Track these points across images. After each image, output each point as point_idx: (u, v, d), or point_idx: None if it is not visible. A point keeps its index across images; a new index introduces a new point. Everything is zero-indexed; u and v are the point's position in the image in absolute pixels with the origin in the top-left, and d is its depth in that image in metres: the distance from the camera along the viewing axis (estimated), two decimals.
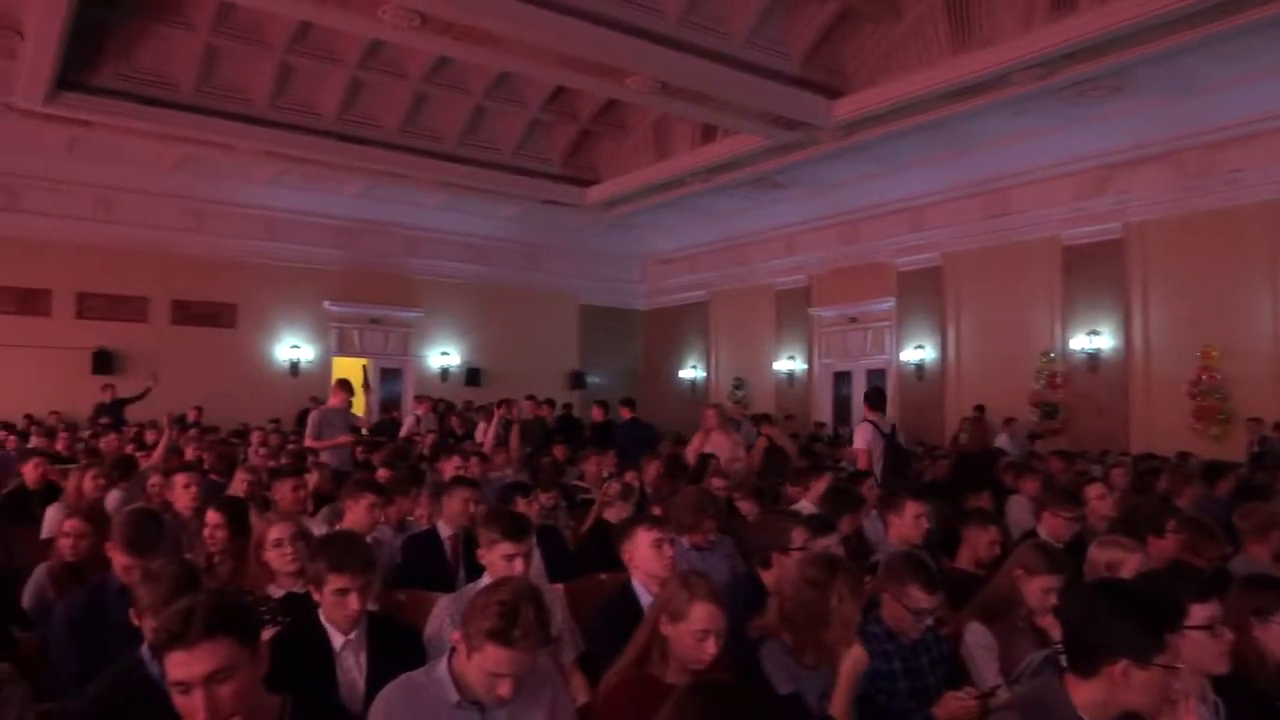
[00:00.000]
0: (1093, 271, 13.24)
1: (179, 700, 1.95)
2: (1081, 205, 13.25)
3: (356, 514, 4.41)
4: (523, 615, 2.25)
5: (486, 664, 2.25)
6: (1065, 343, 13.55)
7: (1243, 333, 11.66)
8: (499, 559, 3.31)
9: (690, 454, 8.14)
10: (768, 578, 3.61)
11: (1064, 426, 13.34)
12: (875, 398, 8.18)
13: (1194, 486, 6.73)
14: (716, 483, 6.65)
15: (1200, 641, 2.37)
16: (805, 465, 7.29)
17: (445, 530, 4.62)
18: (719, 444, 8.18)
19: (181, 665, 1.93)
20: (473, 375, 18.70)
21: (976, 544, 4.35)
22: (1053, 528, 4.84)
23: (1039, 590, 3.24)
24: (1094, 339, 13.14)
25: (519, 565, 3.27)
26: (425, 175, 15.05)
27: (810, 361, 17.77)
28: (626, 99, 12.51)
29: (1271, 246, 11.40)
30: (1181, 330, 12.29)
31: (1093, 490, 5.19)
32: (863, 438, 7.85)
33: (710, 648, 2.55)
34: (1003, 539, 4.46)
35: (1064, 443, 12.36)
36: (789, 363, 18.05)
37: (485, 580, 3.28)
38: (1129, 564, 3.47)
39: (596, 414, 11.93)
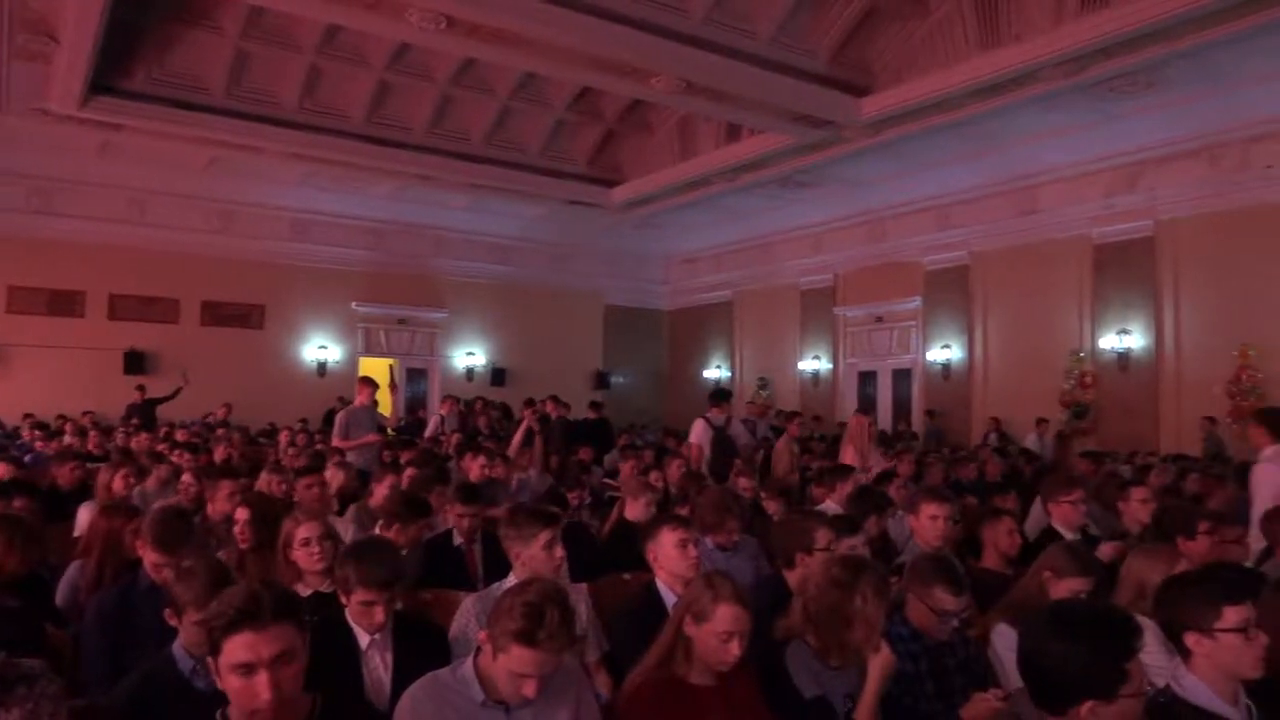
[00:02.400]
0: (1123, 270, 13.08)
1: (236, 684, 1.95)
2: (1112, 203, 13.10)
3: (405, 536, 4.30)
4: (548, 616, 2.25)
5: (512, 664, 2.25)
6: (1095, 342, 13.39)
7: (1277, 331, 11.46)
8: (540, 550, 3.33)
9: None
10: (792, 578, 3.60)
11: (1093, 427, 13.19)
12: (718, 395, 9.23)
13: (1226, 488, 6.63)
14: (743, 483, 6.64)
15: (1234, 645, 2.33)
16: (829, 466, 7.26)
17: (457, 537, 4.60)
18: (876, 457, 7.64)
19: (249, 647, 1.94)
20: (498, 375, 18.81)
21: (997, 539, 4.34)
22: (1062, 515, 4.83)
23: (1068, 593, 3.20)
24: (1124, 338, 12.98)
25: (559, 550, 3.34)
26: (452, 177, 15.15)
27: (835, 361, 17.68)
28: (651, 99, 12.51)
29: None
30: (1214, 329, 12.10)
31: (1137, 493, 5.10)
32: (695, 433, 8.73)
33: (734, 649, 2.54)
34: (1023, 536, 4.45)
35: (1093, 444, 12.22)
36: (814, 362, 17.98)
37: (511, 581, 3.29)
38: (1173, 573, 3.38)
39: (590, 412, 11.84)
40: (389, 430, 9.54)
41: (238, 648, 1.94)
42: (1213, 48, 9.56)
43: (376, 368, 15.17)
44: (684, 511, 4.91)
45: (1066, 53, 9.79)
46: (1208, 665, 2.36)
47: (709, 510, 4.38)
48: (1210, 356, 12.07)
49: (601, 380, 19.98)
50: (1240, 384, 11.66)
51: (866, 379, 17.34)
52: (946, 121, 11.91)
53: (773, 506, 5.85)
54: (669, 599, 3.30)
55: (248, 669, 1.94)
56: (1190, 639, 2.39)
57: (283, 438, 10.80)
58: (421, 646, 2.93)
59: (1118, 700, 1.95)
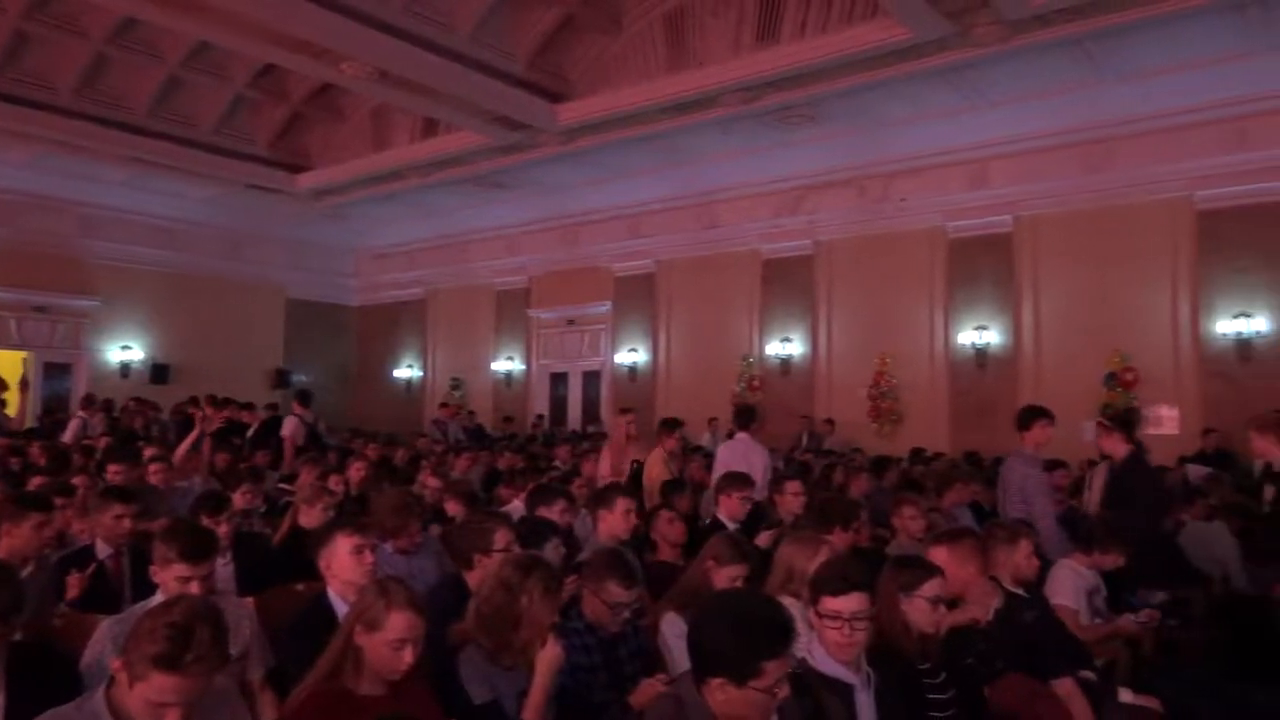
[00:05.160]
0: (787, 284, 14.43)
1: None
2: (779, 222, 14.40)
3: (18, 539, 3.76)
4: (197, 637, 2.05)
5: (151, 693, 2.03)
6: (762, 348, 14.66)
7: (908, 342, 13.22)
8: (173, 581, 3.01)
9: (605, 472, 7.10)
10: (471, 580, 3.57)
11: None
12: (304, 397, 10.47)
13: (864, 479, 7.54)
14: (432, 483, 6.52)
15: (823, 628, 2.66)
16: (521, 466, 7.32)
17: (104, 549, 4.12)
18: (640, 455, 7.15)
19: None
20: (159, 372, 16.90)
21: (667, 532, 4.66)
22: (729, 508, 5.30)
23: (727, 579, 3.47)
24: (786, 345, 14.33)
25: (195, 589, 2.98)
26: (106, 147, 13.47)
27: (528, 362, 17.90)
28: (342, 84, 11.95)
29: (930, 267, 13.04)
30: (859, 339, 13.71)
31: (790, 486, 5.59)
32: (288, 429, 9.87)
33: (407, 657, 2.47)
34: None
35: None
36: (507, 363, 18.08)
37: (157, 599, 2.97)
38: (818, 558, 3.73)
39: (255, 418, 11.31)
40: (16, 434, 8.30)
41: None
42: (863, 90, 10.83)
43: (6, 362, 13.17)
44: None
45: (742, 82, 10.68)
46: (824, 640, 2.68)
47: (389, 514, 4.24)
48: (855, 363, 13.64)
49: (282, 379, 18.67)
50: (879, 387, 13.30)
51: (558, 380, 17.70)
52: (637, 135, 12.49)
53: (454, 508, 5.77)
54: (340, 609, 3.14)
55: None
56: (811, 616, 2.73)
57: None
58: (43, 681, 2.56)
59: (745, 689, 2.11)
